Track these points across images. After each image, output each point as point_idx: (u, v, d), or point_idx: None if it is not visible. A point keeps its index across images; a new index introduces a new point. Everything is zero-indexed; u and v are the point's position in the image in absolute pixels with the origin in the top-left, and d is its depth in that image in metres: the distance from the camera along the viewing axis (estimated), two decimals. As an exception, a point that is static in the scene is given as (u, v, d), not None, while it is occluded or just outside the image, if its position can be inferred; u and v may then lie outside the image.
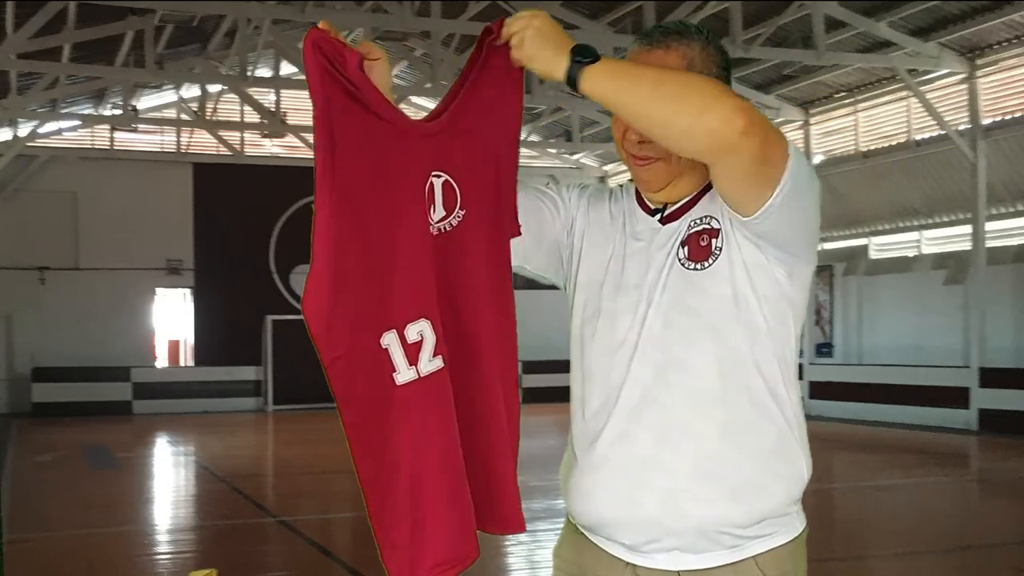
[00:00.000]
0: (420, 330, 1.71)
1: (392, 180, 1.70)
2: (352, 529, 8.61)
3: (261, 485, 11.36)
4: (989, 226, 15.45)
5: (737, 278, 1.76)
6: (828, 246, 18.42)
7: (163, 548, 7.66)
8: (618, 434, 1.80)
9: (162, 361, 23.59)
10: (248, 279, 21.43)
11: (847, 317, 18.45)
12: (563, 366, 2.06)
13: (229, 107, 21.45)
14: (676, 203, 1.86)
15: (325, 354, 1.69)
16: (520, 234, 1.87)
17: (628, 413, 1.79)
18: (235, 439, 16.18)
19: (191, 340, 22.41)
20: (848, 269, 18.35)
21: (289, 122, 20.60)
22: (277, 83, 19.29)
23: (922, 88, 15.82)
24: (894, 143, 17.18)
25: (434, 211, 1.75)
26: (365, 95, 1.68)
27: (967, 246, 15.94)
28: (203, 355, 21.71)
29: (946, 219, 16.81)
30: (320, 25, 1.71)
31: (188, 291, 21.79)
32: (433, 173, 1.74)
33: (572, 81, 1.64)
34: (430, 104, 23.04)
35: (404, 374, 1.71)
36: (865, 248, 18.36)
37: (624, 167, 1.92)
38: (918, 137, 16.78)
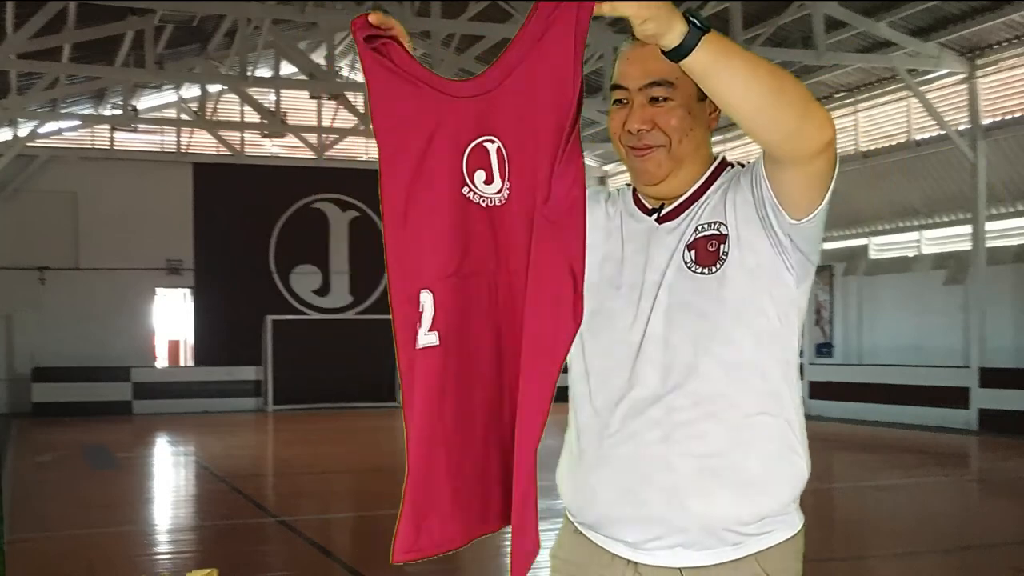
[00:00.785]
0: (424, 301, 1.69)
1: (433, 143, 1.67)
2: (352, 529, 8.62)
3: (261, 485, 11.36)
4: (989, 226, 15.45)
5: (745, 283, 1.78)
6: (828, 246, 18.43)
7: (163, 548, 7.66)
8: (622, 433, 1.80)
9: (162, 361, 23.59)
10: (248, 279, 21.44)
11: (847, 317, 18.45)
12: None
13: (229, 107, 21.45)
14: (673, 201, 1.86)
15: (393, 295, 1.76)
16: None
17: (632, 412, 1.80)
18: (235, 439, 16.18)
19: (191, 340, 22.42)
20: (848, 269, 18.35)
21: (289, 122, 20.61)
22: (277, 83, 19.29)
23: (922, 88, 15.82)
24: (894, 143, 17.18)
25: (486, 180, 1.66)
26: (409, 69, 1.67)
27: (967, 246, 15.94)
28: (203, 355, 21.71)
29: (946, 219, 16.81)
30: (371, 19, 1.62)
31: (188, 291, 21.79)
32: (484, 137, 1.65)
33: (685, 49, 1.50)
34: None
35: (421, 339, 1.70)
36: (865, 248, 18.36)
37: (624, 167, 1.92)
38: (918, 137, 16.78)
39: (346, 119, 20.98)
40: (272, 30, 16.64)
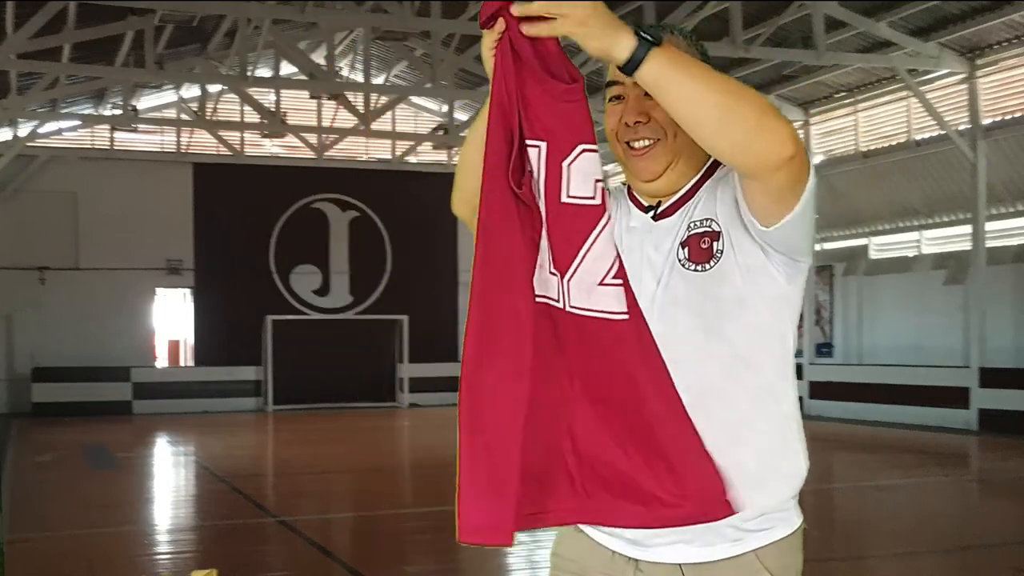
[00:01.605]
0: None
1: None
2: (352, 529, 8.62)
3: (261, 485, 11.36)
4: (989, 226, 15.45)
5: (738, 280, 1.78)
6: (828, 246, 18.44)
7: (163, 548, 7.66)
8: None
9: (162, 361, 23.60)
10: (248, 279, 21.44)
11: (847, 317, 18.45)
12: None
13: (229, 107, 21.46)
14: (669, 198, 1.87)
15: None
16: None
17: None
18: (235, 439, 16.18)
19: (191, 340, 22.42)
20: (848, 269, 18.35)
21: (289, 122, 20.61)
22: (277, 83, 19.29)
23: (922, 88, 15.82)
24: (894, 143, 17.18)
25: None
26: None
27: (967, 246, 15.94)
28: (203, 355, 21.71)
29: (946, 219, 16.81)
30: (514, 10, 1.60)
31: (188, 291, 21.79)
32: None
33: (634, 62, 1.56)
34: (430, 104, 23.06)
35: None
36: (865, 248, 18.36)
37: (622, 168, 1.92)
38: (918, 137, 16.78)
39: (346, 119, 20.98)
40: (272, 30, 16.63)
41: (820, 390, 17.75)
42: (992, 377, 14.90)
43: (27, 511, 8.57)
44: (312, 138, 22.01)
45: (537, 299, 1.70)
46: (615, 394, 1.72)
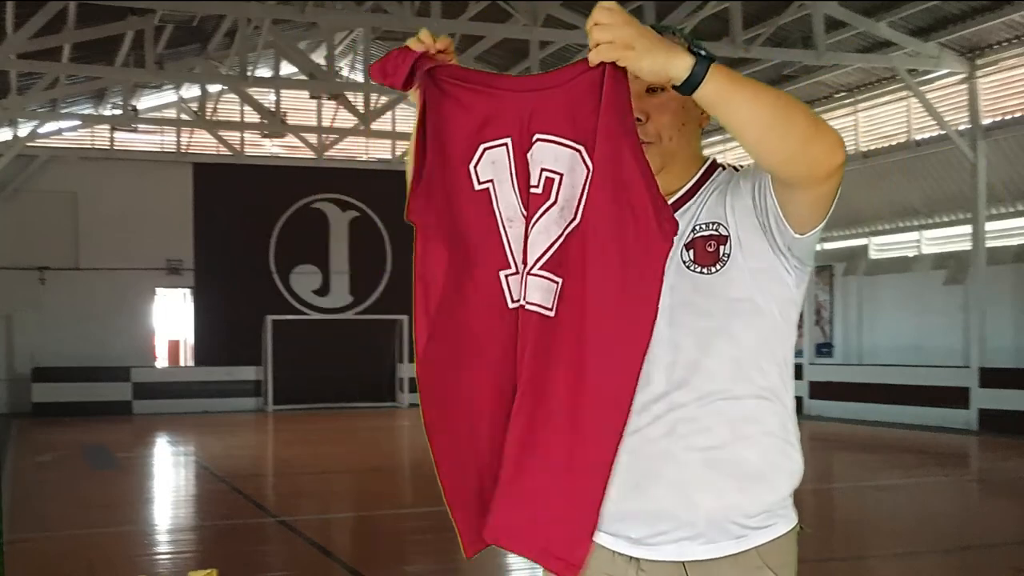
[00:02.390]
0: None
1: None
2: (352, 529, 8.61)
3: (261, 485, 11.36)
4: (989, 226, 15.44)
5: (747, 283, 1.81)
6: (828, 246, 18.43)
7: (163, 548, 7.66)
8: (627, 429, 1.80)
9: (162, 361, 23.59)
10: (248, 279, 21.44)
11: (847, 317, 18.45)
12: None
13: (229, 107, 21.46)
14: (668, 199, 1.86)
15: None
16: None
17: (636, 409, 1.80)
18: (235, 439, 16.18)
19: (191, 340, 22.42)
20: (848, 269, 18.35)
21: (289, 122, 20.61)
22: (277, 83, 19.29)
23: (922, 88, 15.82)
24: (894, 143, 17.18)
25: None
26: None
27: (967, 246, 15.94)
28: (203, 355, 21.70)
29: (946, 219, 16.81)
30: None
31: (188, 291, 21.79)
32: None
33: (694, 82, 1.57)
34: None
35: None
36: (865, 248, 18.36)
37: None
38: (918, 137, 16.78)
39: (346, 119, 20.98)
40: (272, 30, 16.63)
41: (820, 390, 17.75)
42: (992, 377, 14.89)
43: (27, 511, 8.57)
44: (312, 138, 22.00)
45: (514, 303, 1.74)
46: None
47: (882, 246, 18.19)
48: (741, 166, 1.90)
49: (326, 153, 22.22)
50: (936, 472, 11.49)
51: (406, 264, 1.81)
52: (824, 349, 18.65)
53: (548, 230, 1.69)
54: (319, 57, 18.97)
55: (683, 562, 1.83)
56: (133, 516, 8.99)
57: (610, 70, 1.61)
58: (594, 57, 1.59)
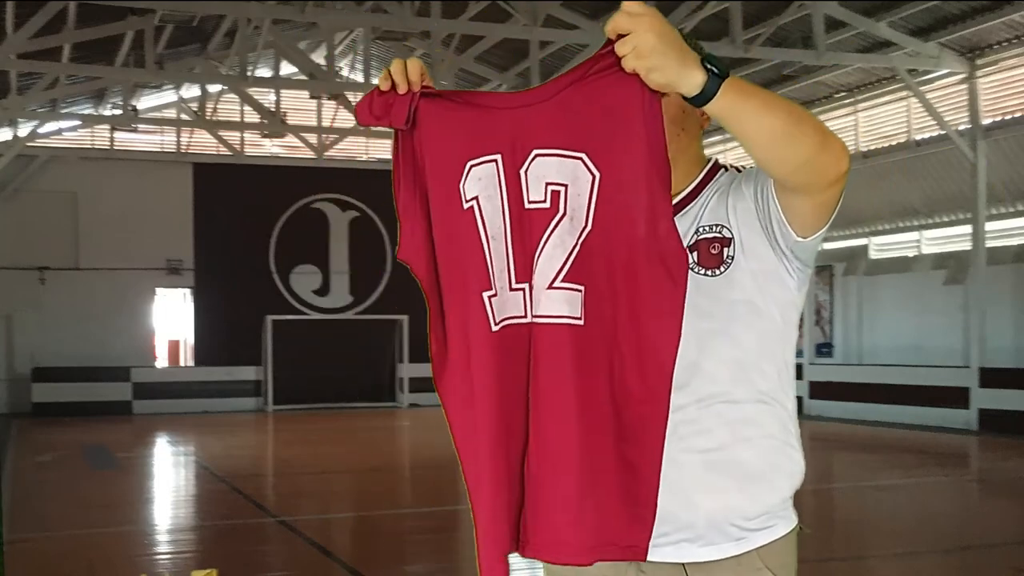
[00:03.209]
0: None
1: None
2: (352, 529, 8.61)
3: (261, 485, 11.35)
4: (989, 226, 15.45)
5: (749, 286, 1.82)
6: (828, 246, 18.42)
7: (163, 548, 7.66)
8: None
9: (162, 361, 23.59)
10: (248, 279, 21.44)
11: (847, 317, 18.45)
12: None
13: (229, 107, 21.46)
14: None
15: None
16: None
17: None
18: (235, 439, 16.18)
19: (191, 340, 22.42)
20: (848, 269, 18.35)
21: (289, 122, 20.62)
22: (277, 83, 19.29)
23: (922, 88, 15.82)
24: (894, 143, 17.18)
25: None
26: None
27: (967, 246, 15.94)
28: (203, 355, 21.71)
29: (946, 219, 16.81)
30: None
31: (188, 291, 21.79)
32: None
33: (705, 97, 1.54)
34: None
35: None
36: (865, 248, 18.36)
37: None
38: (918, 137, 16.78)
39: (346, 119, 20.98)
40: (272, 30, 16.64)
41: (820, 390, 17.75)
42: (992, 377, 14.89)
43: (27, 511, 8.57)
44: (312, 138, 22.00)
45: (497, 326, 1.69)
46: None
47: (882, 246, 18.19)
48: (742, 167, 1.90)
49: (326, 153, 22.22)
50: (936, 472, 11.49)
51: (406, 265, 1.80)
52: (824, 349, 18.65)
53: (564, 242, 1.66)
54: (319, 57, 18.98)
55: (683, 563, 1.83)
56: (133, 516, 8.99)
57: (630, 78, 1.57)
58: (626, 66, 1.53)
